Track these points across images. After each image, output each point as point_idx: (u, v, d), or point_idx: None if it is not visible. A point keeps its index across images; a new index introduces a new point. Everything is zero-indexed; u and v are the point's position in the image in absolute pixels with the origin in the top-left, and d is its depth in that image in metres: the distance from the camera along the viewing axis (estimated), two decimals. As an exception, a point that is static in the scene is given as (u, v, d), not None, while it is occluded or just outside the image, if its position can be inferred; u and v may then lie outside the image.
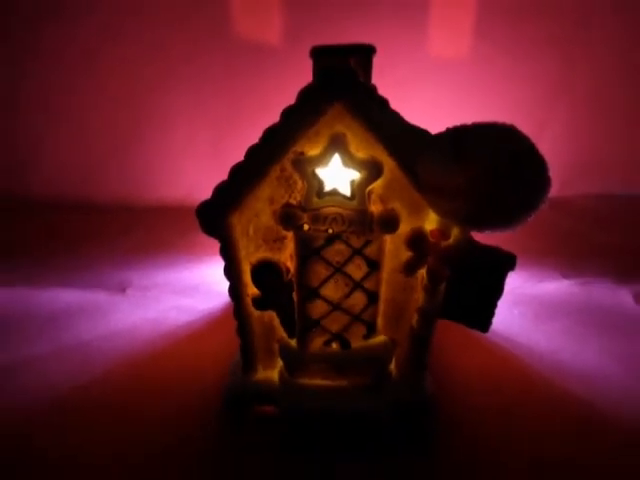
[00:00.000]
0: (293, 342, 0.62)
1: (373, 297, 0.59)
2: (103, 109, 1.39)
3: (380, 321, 0.61)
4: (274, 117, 0.51)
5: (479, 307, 0.54)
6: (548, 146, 1.20)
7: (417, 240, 0.54)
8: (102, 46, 1.32)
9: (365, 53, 0.56)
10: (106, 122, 1.41)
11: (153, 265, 1.08)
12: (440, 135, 0.46)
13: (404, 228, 0.54)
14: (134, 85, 1.36)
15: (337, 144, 0.51)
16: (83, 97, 1.38)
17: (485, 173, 0.42)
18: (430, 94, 1.33)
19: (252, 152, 0.52)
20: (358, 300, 0.60)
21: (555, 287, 1.00)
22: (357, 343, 0.62)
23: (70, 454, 0.62)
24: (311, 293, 0.59)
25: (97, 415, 0.67)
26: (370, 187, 0.53)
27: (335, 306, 0.60)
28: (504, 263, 0.51)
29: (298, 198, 0.54)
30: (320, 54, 0.53)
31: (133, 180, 1.45)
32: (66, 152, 1.44)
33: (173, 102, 1.38)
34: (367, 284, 0.58)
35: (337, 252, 0.57)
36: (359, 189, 0.53)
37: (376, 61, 0.57)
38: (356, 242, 0.56)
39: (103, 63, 1.34)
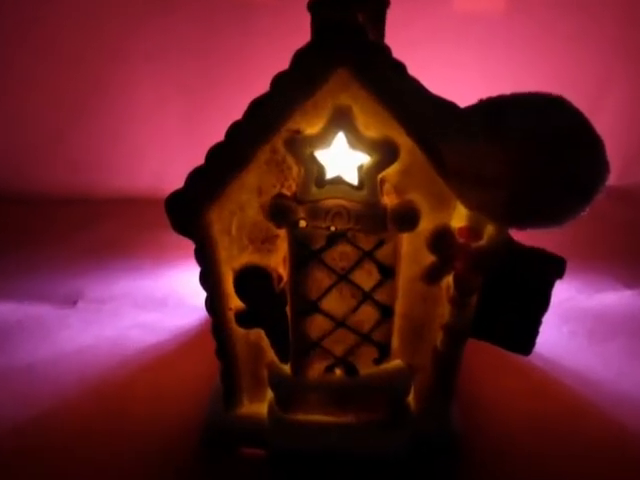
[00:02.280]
0: (286, 368, 0.63)
1: (386, 311, 0.60)
2: (45, 80, 1.39)
3: (395, 342, 0.62)
4: (262, 86, 0.51)
5: (519, 324, 0.55)
6: (605, 123, 1.17)
7: (442, 240, 0.54)
8: (41, 4, 1.32)
9: (377, 4, 0.56)
10: (50, 95, 1.41)
11: (111, 271, 1.08)
12: (471, 108, 0.46)
13: (425, 225, 0.54)
14: (82, 49, 1.36)
15: (341, 120, 0.51)
16: (17, 70, 1.39)
17: (528, 155, 0.42)
18: (457, 57, 1.33)
19: (235, 130, 0.52)
20: (368, 315, 0.60)
21: (614, 299, 1.00)
22: (366, 369, 0.63)
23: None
24: (309, 306, 0.59)
25: (35, 466, 0.67)
26: (383, 174, 0.53)
27: (339, 323, 0.60)
28: (551, 269, 0.52)
29: (293, 188, 0.54)
30: (320, 6, 0.54)
31: (84, 166, 1.45)
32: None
33: (134, 68, 1.38)
34: (379, 295, 0.59)
35: (341, 255, 0.57)
36: (369, 176, 0.53)
37: (390, 15, 0.57)
38: (365, 243, 0.56)
39: (42, 27, 1.34)
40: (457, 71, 1.22)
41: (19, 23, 1.32)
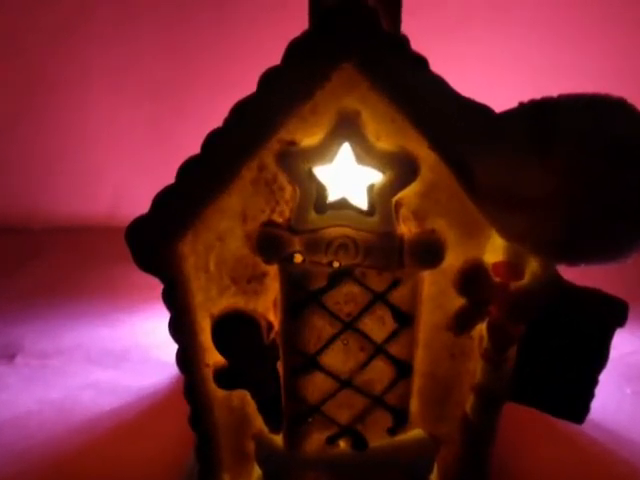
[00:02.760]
0: (278, 439, 0.63)
1: (403, 369, 0.60)
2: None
3: (415, 406, 0.62)
4: (247, 87, 0.50)
5: (570, 384, 0.55)
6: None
7: (473, 279, 0.54)
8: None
9: None
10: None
11: (57, 318, 1.07)
12: (511, 113, 0.46)
13: (452, 260, 0.55)
14: (20, 43, 1.36)
15: (347, 128, 0.51)
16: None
17: (586, 169, 0.42)
18: (492, 50, 1.32)
19: (213, 141, 0.52)
20: (380, 373, 0.60)
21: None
22: (378, 441, 0.62)
23: None
24: (307, 362, 0.59)
25: None
26: (399, 196, 0.53)
27: (344, 383, 0.60)
28: (610, 315, 0.51)
29: (286, 213, 0.55)
30: None
31: (23, 190, 1.45)
32: None
33: (86, 63, 1.38)
34: (394, 348, 0.59)
35: (347, 298, 0.57)
36: (382, 199, 0.53)
37: None
38: (377, 283, 0.56)
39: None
40: (492, 67, 1.22)
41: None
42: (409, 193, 0.53)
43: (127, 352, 0.97)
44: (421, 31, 0.56)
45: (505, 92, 0.49)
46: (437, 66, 0.50)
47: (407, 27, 0.57)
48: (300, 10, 0.54)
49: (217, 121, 0.52)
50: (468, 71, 0.61)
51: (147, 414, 0.85)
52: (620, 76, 1.22)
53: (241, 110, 0.51)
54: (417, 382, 0.61)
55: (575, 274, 0.50)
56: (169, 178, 0.53)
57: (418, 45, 0.51)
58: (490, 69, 1.15)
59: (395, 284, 0.56)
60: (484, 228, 0.53)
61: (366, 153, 0.52)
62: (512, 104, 0.47)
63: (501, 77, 0.92)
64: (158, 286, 0.56)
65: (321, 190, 0.53)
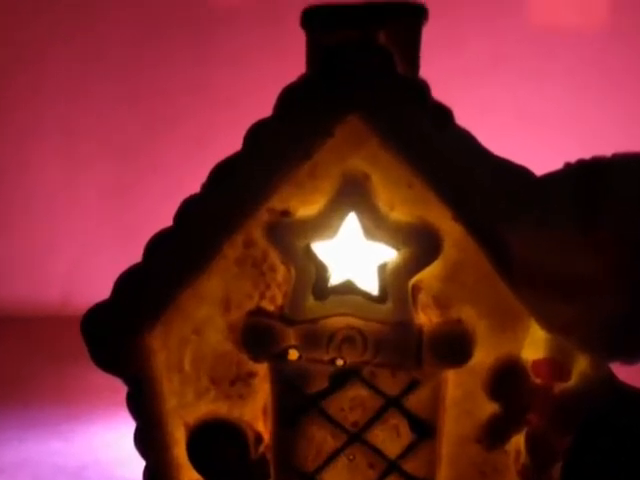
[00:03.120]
0: None
1: None
2: None
3: None
4: (231, 144, 0.47)
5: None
6: None
7: (507, 381, 0.50)
8: None
9: (408, 19, 0.51)
10: None
11: (0, 428, 1.02)
12: (555, 177, 0.44)
13: (482, 357, 0.51)
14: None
15: (353, 195, 0.48)
16: None
17: None
18: (528, 96, 1.27)
19: (188, 211, 0.49)
20: None
21: None
22: None
23: None
24: None
25: None
26: (417, 278, 0.48)
27: None
28: None
29: (278, 299, 0.51)
30: (319, 21, 0.49)
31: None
32: None
33: (31, 108, 1.35)
34: (411, 465, 0.54)
35: (353, 404, 0.52)
36: (396, 282, 0.49)
37: (428, 35, 0.52)
38: (390, 384, 0.52)
39: None
40: (529, 120, 1.18)
41: None
42: (429, 275, 0.49)
43: (83, 469, 0.91)
44: (444, 76, 0.51)
45: (546, 149, 0.43)
46: (463, 118, 0.47)
47: (427, 70, 0.53)
48: (296, 50, 0.50)
49: (193, 187, 0.48)
50: (500, 124, 0.55)
51: None
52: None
53: (222, 173, 0.48)
54: (440, 506, 0.56)
55: (626, 373, 0.47)
56: (134, 256, 0.50)
57: (440, 92, 0.47)
58: (527, 122, 1.10)
59: (412, 386, 0.52)
60: (521, 318, 0.49)
61: (377, 226, 0.48)
62: (555, 165, 0.43)
63: (540, 131, 0.86)
64: (121, 389, 0.52)
65: (321, 271, 0.50)
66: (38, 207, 1.36)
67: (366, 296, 0.49)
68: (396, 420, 0.53)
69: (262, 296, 0.50)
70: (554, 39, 1.22)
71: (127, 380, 0.52)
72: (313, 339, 0.50)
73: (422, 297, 0.50)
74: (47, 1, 1.28)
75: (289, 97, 0.46)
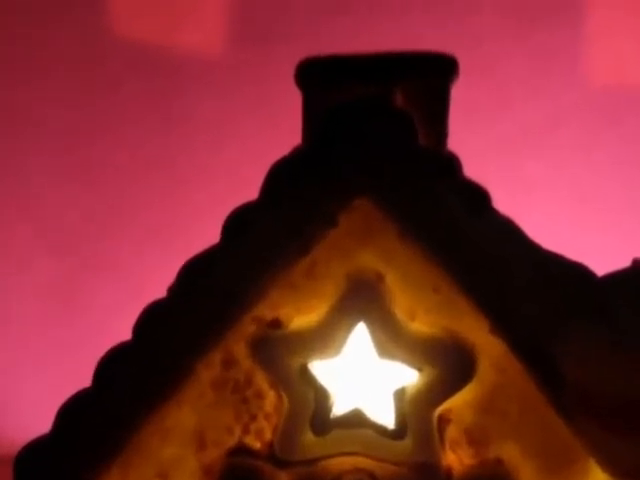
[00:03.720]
0: None
1: None
2: None
3: None
4: (206, 236, 0.41)
5: None
6: None
7: None
8: None
9: (434, 74, 0.45)
10: None
11: None
12: (621, 278, 0.39)
13: None
14: None
15: (362, 301, 0.41)
16: None
17: None
18: (588, 174, 1.16)
19: (151, 321, 0.42)
20: None
21: None
22: None
23: None
24: None
25: None
26: (445, 407, 0.42)
27: None
28: None
29: (267, 434, 0.43)
30: (320, 77, 0.43)
31: None
32: None
33: None
34: None
35: None
36: (418, 412, 0.42)
37: (460, 93, 0.46)
38: None
39: None
40: (588, 204, 1.12)
41: None
42: (461, 403, 0.42)
43: None
44: (480, 148, 0.44)
45: (609, 241, 0.38)
46: (504, 203, 0.41)
47: (456, 142, 0.46)
48: (288, 114, 0.45)
49: (156, 290, 0.41)
50: (551, 209, 0.49)
51: None
52: None
53: (195, 272, 0.42)
54: None
55: None
56: (81, 378, 0.43)
57: (474, 169, 0.41)
58: (584, 207, 1.03)
59: None
60: (578, 459, 0.42)
61: (393, 340, 0.42)
62: (622, 262, 0.39)
63: (601, 217, 0.80)
64: None
65: (322, 398, 0.43)
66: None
67: (379, 430, 0.42)
68: None
69: (246, 430, 0.43)
70: (618, 101, 1.17)
71: None
72: (313, 485, 0.44)
73: (451, 431, 0.43)
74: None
75: (279, 175, 0.40)
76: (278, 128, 0.43)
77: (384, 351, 0.41)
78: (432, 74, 0.44)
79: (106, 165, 1.18)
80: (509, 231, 0.40)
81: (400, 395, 0.41)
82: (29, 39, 1.20)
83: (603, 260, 0.38)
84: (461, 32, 0.75)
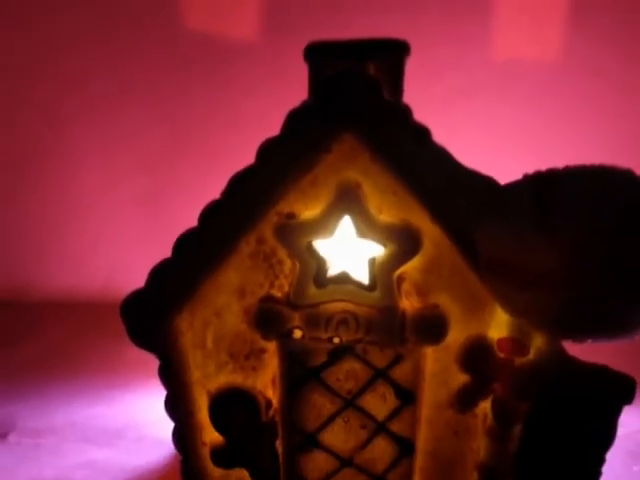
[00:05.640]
0: None
1: (406, 447, 0.58)
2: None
3: None
4: (245, 157, 0.51)
5: (576, 463, 0.53)
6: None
7: (477, 355, 0.54)
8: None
9: (393, 53, 0.56)
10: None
11: (50, 395, 1.04)
12: (515, 186, 0.46)
13: (456, 336, 0.54)
14: (14, 113, 1.36)
15: (348, 200, 0.51)
16: None
17: (591, 243, 0.41)
18: (496, 119, 1.29)
19: (210, 214, 0.52)
20: (382, 452, 0.58)
21: None
22: None
23: None
24: (306, 440, 0.58)
25: None
26: (401, 270, 0.53)
27: (345, 461, 0.59)
28: (617, 392, 0.50)
29: (285, 288, 0.54)
30: (319, 53, 0.54)
31: (14, 261, 1.43)
32: None
33: (79, 136, 1.36)
34: (396, 426, 0.58)
35: (348, 375, 0.56)
36: (383, 273, 0.53)
37: (411, 66, 0.56)
38: (379, 359, 0.56)
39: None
40: (495, 139, 1.22)
41: None
42: (411, 267, 0.53)
43: (122, 430, 0.93)
44: (423, 101, 0.56)
45: (509, 163, 0.48)
46: (440, 137, 0.50)
47: (409, 96, 0.57)
48: (299, 79, 0.54)
49: (214, 193, 0.52)
50: (470, 142, 0.60)
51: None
52: (628, 146, 1.24)
53: (239, 182, 0.51)
54: (420, 461, 0.59)
55: (580, 350, 0.49)
56: (165, 252, 0.53)
57: (420, 115, 0.51)
58: (494, 140, 1.14)
59: (397, 360, 0.55)
60: (488, 303, 0.52)
61: (367, 226, 0.52)
62: (517, 175, 0.47)
63: (505, 147, 0.91)
64: (154, 363, 0.56)
65: (321, 264, 0.53)
66: (83, 212, 1.37)
67: (358, 285, 0.53)
68: (383, 388, 0.56)
69: (271, 285, 0.54)
70: (515, 70, 1.26)
71: (159, 356, 0.55)
72: (314, 321, 0.53)
73: (405, 286, 0.53)
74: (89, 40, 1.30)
75: (293, 119, 0.50)
76: (292, 89, 0.48)
77: (362, 234, 0.51)
78: (393, 53, 0.55)
79: (177, 114, 1.31)
80: (443, 155, 0.50)
81: (372, 262, 0.52)
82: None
83: (506, 175, 0.48)
84: (412, 26, 0.84)
